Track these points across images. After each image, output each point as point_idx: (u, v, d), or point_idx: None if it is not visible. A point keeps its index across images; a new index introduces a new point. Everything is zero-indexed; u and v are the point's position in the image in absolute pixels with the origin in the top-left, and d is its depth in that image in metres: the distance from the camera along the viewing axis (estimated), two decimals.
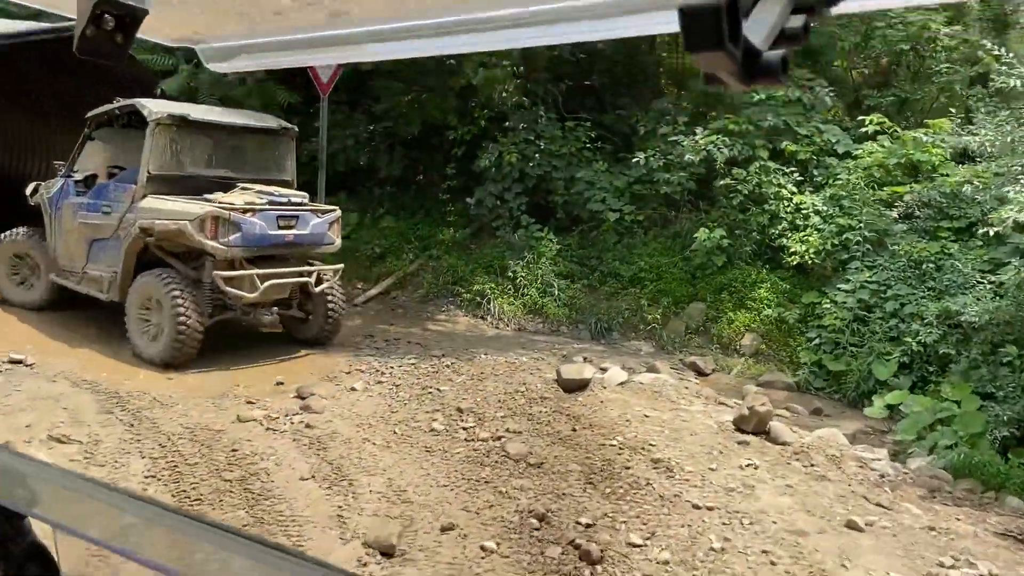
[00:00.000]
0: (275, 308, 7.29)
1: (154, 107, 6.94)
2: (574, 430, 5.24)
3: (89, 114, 7.41)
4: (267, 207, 6.75)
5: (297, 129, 8.11)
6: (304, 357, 7.26)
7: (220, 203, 6.55)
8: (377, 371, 6.66)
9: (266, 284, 6.64)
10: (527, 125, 10.23)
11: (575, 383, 6.23)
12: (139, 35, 0.68)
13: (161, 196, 6.70)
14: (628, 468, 4.58)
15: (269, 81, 10.50)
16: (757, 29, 0.44)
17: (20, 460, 0.75)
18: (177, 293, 6.43)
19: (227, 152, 7.38)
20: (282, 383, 6.19)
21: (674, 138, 9.45)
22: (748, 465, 4.81)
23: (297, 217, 7.00)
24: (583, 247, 10.19)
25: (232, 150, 7.41)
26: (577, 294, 9.59)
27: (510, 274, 9.68)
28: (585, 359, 7.89)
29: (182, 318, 6.35)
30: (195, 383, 6.02)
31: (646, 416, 5.58)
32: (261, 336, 8.02)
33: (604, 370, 7.45)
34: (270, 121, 7.88)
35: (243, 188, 6.97)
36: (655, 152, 9.53)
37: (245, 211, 6.56)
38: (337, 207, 7.82)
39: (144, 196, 6.73)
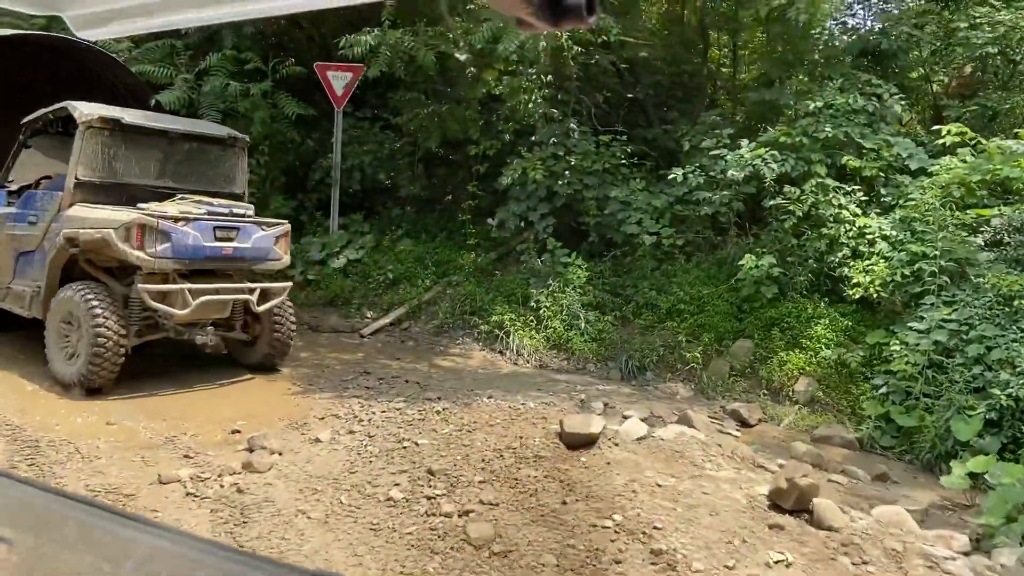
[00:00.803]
0: (210, 328, 6.76)
1: (85, 109, 6.57)
2: (564, 503, 4.37)
3: (24, 120, 7.08)
4: (202, 216, 6.33)
5: (248, 139, 7.75)
6: (285, 396, 6.57)
7: (148, 211, 6.12)
8: (355, 417, 5.92)
9: (199, 301, 6.23)
10: (556, 139, 9.44)
11: (580, 438, 5.36)
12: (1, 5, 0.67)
13: (89, 205, 6.33)
14: (618, 563, 3.67)
15: (281, 94, 10.03)
16: None
17: None
18: (97, 309, 6.00)
19: (168, 161, 7.04)
20: (238, 432, 5.49)
21: (716, 152, 8.50)
22: (779, 562, 3.84)
23: (237, 229, 6.57)
24: (616, 274, 9.31)
25: (174, 159, 7.07)
26: (607, 327, 8.70)
27: (533, 304, 8.88)
28: (606, 405, 7.00)
29: (100, 337, 5.92)
30: (135, 430, 5.37)
31: (658, 486, 4.66)
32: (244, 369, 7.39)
33: (626, 417, 6.58)
34: (218, 130, 7.55)
35: (182, 198, 6.57)
36: (695, 168, 8.60)
37: (176, 220, 6.14)
38: (286, 222, 7.36)
39: (71, 204, 6.36)
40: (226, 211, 6.62)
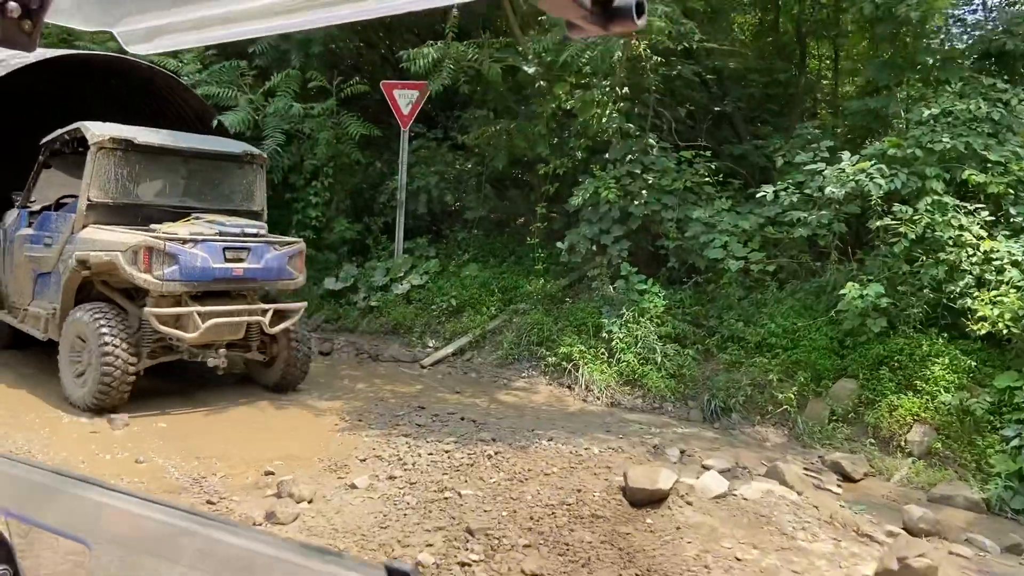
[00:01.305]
0: (222, 350, 6.62)
1: (96, 129, 6.57)
2: None
3: (43, 140, 7.10)
4: (211, 237, 6.28)
5: (266, 156, 7.70)
6: (331, 432, 6.20)
7: (156, 232, 6.11)
8: (399, 460, 5.47)
9: (208, 323, 6.19)
10: (633, 156, 8.85)
11: (647, 495, 4.75)
12: (52, 21, 0.68)
13: (102, 226, 6.33)
14: None
15: (346, 113, 9.87)
16: None
17: None
18: (106, 330, 6.01)
19: (184, 180, 7.03)
20: (272, 473, 5.11)
21: (812, 166, 7.72)
22: None
23: (248, 249, 6.51)
24: (698, 303, 8.60)
25: (190, 178, 7.06)
26: (687, 362, 7.99)
27: (605, 335, 8.27)
28: (683, 452, 6.32)
29: (108, 358, 5.92)
30: (164, 469, 5.08)
31: (737, 560, 3.98)
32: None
33: (705, 468, 5.90)
34: (234, 147, 7.49)
35: (196, 218, 6.56)
36: (787, 186, 7.83)
37: (184, 242, 6.13)
38: (300, 240, 7.29)
39: (84, 226, 6.38)
40: (237, 231, 6.53)
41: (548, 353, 8.48)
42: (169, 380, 7.32)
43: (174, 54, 10.18)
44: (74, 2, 0.70)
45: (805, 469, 6.35)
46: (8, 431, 5.50)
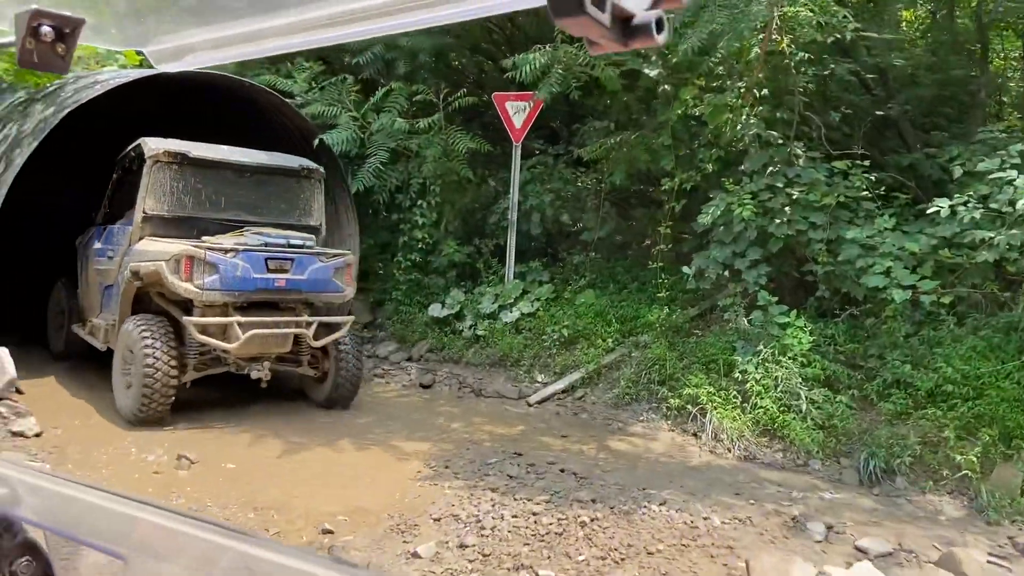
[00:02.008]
0: (266, 363, 6.70)
1: (153, 144, 6.81)
2: None
3: (118, 156, 7.35)
4: (252, 247, 6.39)
5: (323, 170, 7.71)
6: (410, 480, 5.62)
7: (197, 243, 6.28)
8: (477, 522, 4.79)
9: (249, 334, 6.31)
10: (774, 167, 7.80)
11: None
12: (85, 43, 0.73)
13: (157, 239, 6.52)
14: None
15: (455, 128, 9.43)
16: None
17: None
18: (148, 342, 6.16)
19: (239, 194, 7.17)
20: (330, 532, 4.57)
21: (1000, 174, 6.39)
22: None
23: (292, 260, 6.59)
24: (853, 340, 7.41)
25: (245, 191, 7.21)
26: (840, 411, 6.84)
27: (738, 375, 7.26)
28: (830, 528, 5.26)
29: (149, 369, 6.08)
30: (219, 518, 4.62)
31: None
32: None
33: (860, 552, 4.86)
34: (290, 161, 7.56)
35: (248, 231, 6.69)
36: (968, 199, 6.54)
37: (225, 251, 6.24)
38: (349, 252, 7.40)
39: (140, 238, 6.61)
40: (282, 242, 6.60)
41: (671, 394, 7.55)
42: (257, 411, 7.06)
43: (287, 73, 10.20)
44: (105, 24, 0.76)
45: (991, 555, 5.11)
46: (73, 469, 5.31)
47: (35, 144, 6.87)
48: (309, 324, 6.75)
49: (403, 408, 7.70)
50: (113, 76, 7.31)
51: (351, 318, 7.25)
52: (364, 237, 10.46)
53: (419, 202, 9.68)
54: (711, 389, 7.31)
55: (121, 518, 0.74)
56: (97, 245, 7.32)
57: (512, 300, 9.20)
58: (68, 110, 7.07)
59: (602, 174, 9.50)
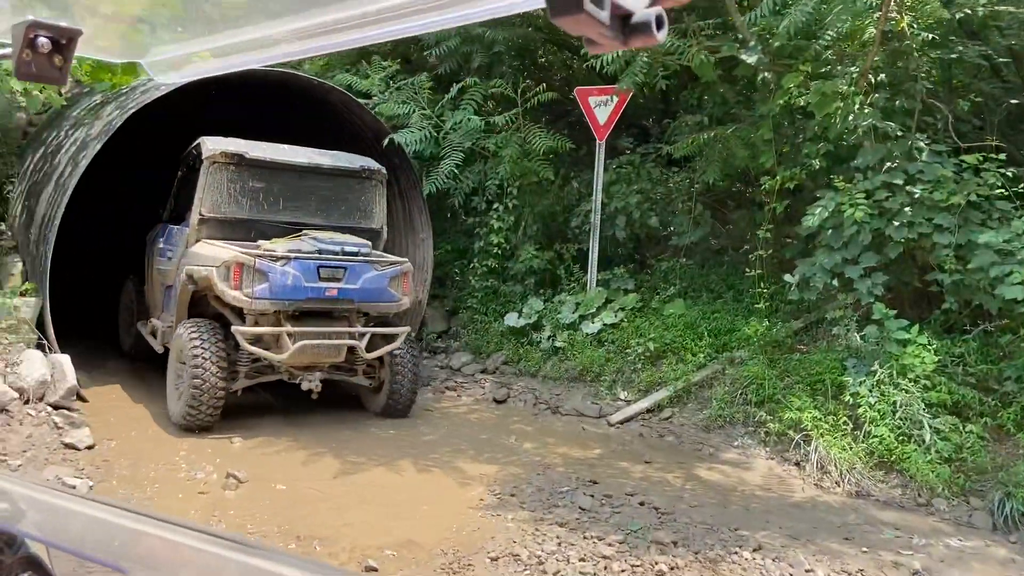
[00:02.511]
0: (318, 373, 6.64)
1: (211, 143, 6.77)
2: None
3: (183, 154, 7.35)
4: (304, 255, 6.29)
5: (385, 171, 7.55)
6: (470, 510, 5.18)
7: (248, 248, 6.20)
8: (539, 564, 4.32)
9: (298, 345, 6.24)
10: (893, 162, 6.97)
11: None
12: (83, 55, 0.74)
13: (214, 241, 6.47)
14: None
15: (533, 126, 8.97)
16: None
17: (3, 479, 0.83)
18: (198, 348, 6.10)
19: (298, 195, 7.08)
20: (374, 570, 4.17)
21: None
22: None
23: (345, 268, 6.48)
24: (987, 360, 6.52)
25: (304, 193, 7.11)
26: (971, 443, 6.01)
27: (848, 398, 6.50)
28: None
29: (197, 379, 6.04)
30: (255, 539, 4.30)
31: None
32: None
33: None
34: (352, 161, 7.42)
35: (305, 235, 6.62)
36: None
37: (276, 258, 6.16)
38: (406, 260, 7.13)
39: (197, 240, 6.59)
40: (336, 249, 6.48)
41: (770, 418, 6.84)
42: (318, 423, 6.79)
43: (364, 73, 10.00)
44: (103, 36, 0.76)
45: None
46: (117, 486, 5.12)
47: (99, 146, 6.86)
48: (362, 335, 6.62)
49: (473, 425, 7.28)
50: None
51: (406, 328, 7.05)
52: (439, 242, 10.16)
53: (496, 205, 9.26)
54: (817, 413, 6.56)
55: (123, 531, 0.73)
56: (160, 244, 7.38)
57: (594, 310, 8.66)
58: (132, 111, 7.04)
59: (695, 173, 8.83)
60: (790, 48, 7.31)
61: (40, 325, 6.83)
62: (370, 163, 7.46)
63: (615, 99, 8.68)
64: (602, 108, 8.81)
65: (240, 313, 6.39)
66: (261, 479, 5.44)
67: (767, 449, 6.77)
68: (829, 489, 6.13)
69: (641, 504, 5.41)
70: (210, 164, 6.65)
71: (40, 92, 8.26)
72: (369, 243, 6.94)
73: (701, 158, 8.52)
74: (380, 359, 6.94)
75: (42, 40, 0.70)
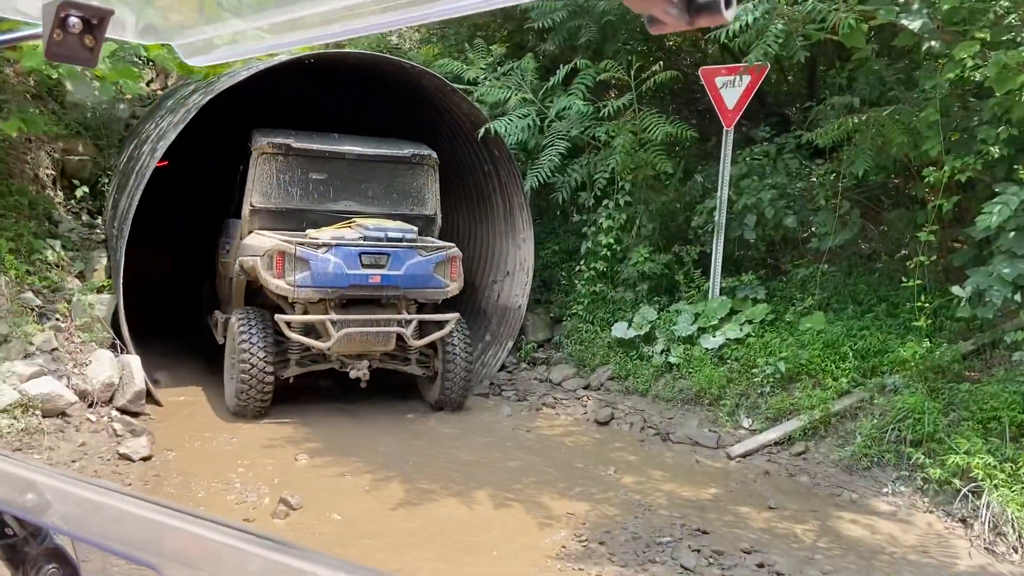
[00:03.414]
0: (365, 362, 6.73)
1: (260, 135, 6.96)
2: None
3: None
4: (346, 242, 6.38)
5: (436, 156, 7.57)
6: (548, 560, 4.48)
7: (290, 237, 6.33)
8: None
9: (342, 333, 6.35)
10: None
11: None
12: (113, 37, 0.76)
13: (265, 232, 6.60)
14: None
15: (649, 111, 8.13)
16: None
17: (27, 467, 0.81)
18: (245, 337, 6.31)
19: (348, 183, 7.18)
20: None
21: None
22: None
23: (388, 255, 6.52)
24: None
25: (353, 181, 7.20)
26: None
27: None
28: None
29: (244, 364, 6.25)
30: None
31: None
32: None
33: None
34: (402, 148, 7.48)
35: (355, 223, 6.70)
36: None
37: (317, 246, 6.28)
38: (453, 245, 7.08)
39: (249, 232, 6.78)
40: (380, 235, 6.52)
41: (929, 461, 5.73)
42: (392, 441, 6.28)
43: (466, 59, 9.50)
44: (134, 17, 0.77)
45: None
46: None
47: (174, 135, 6.68)
48: (408, 322, 6.67)
49: (568, 450, 6.56)
50: (268, 62, 6.95)
51: (455, 315, 6.98)
52: (547, 242, 9.51)
53: (605, 201, 8.45)
54: (990, 459, 5.42)
55: (154, 526, 0.71)
56: (223, 238, 7.66)
57: (716, 322, 7.72)
58: (210, 97, 6.85)
59: (842, 164, 7.70)
60: (963, 11, 6.14)
61: (115, 323, 6.68)
62: (421, 149, 7.50)
63: (746, 79, 7.70)
64: (730, 89, 7.85)
65: (291, 303, 6.53)
66: (316, 506, 4.95)
67: (925, 500, 5.66)
68: (1004, 556, 5.00)
69: (760, 567, 4.53)
70: (259, 155, 6.82)
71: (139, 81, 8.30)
72: (415, 229, 6.91)
73: (850, 147, 7.40)
74: (434, 348, 7.02)
75: (73, 20, 0.70)
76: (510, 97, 8.30)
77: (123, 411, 6.18)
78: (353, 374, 6.67)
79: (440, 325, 6.85)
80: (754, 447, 6.60)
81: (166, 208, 8.84)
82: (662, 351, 7.88)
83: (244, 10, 0.77)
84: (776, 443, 6.61)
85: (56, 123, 8.31)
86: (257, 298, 6.92)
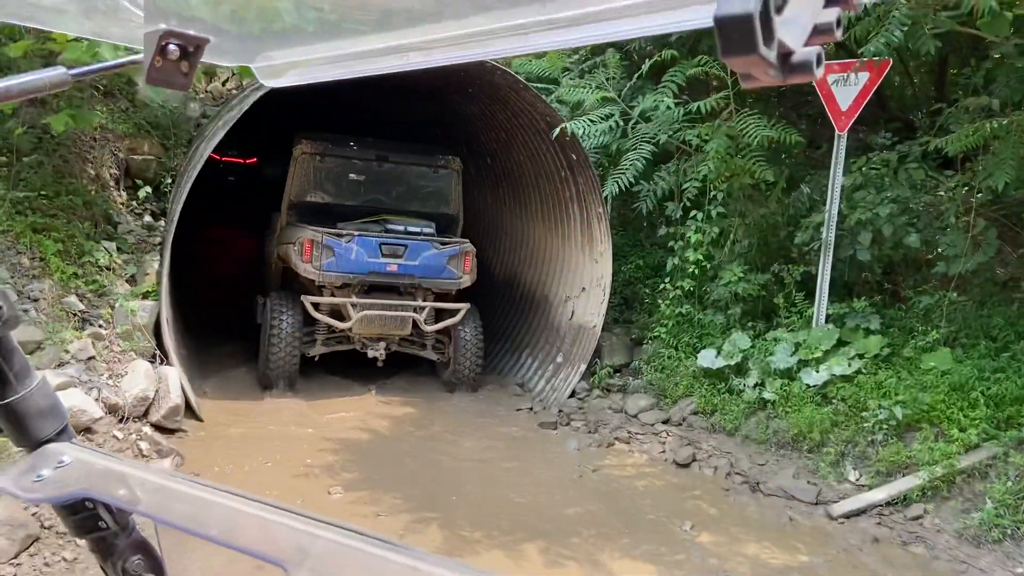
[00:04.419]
0: (382, 343, 7.59)
1: (300, 139, 7.79)
2: None
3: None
4: (366, 233, 7.25)
5: (459, 160, 8.25)
6: None
7: (319, 228, 7.12)
8: None
9: (361, 315, 7.19)
10: None
11: None
12: (204, 60, 0.80)
13: (300, 225, 7.34)
14: None
15: (746, 112, 7.31)
16: (790, 28, 0.49)
17: (116, 460, 0.84)
18: (277, 314, 7.14)
19: (377, 184, 7.92)
20: None
21: None
22: None
23: (405, 246, 7.32)
24: None
25: (383, 182, 7.95)
26: None
27: None
28: None
29: (275, 338, 7.08)
30: None
31: None
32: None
33: None
34: (428, 153, 8.29)
35: (380, 219, 7.56)
36: None
37: (340, 236, 7.11)
38: (467, 241, 7.79)
39: (286, 224, 7.56)
40: (399, 228, 7.50)
41: None
42: (440, 478, 5.73)
43: (544, 55, 8.93)
44: (218, 42, 0.80)
45: None
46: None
47: (222, 134, 6.54)
48: (421, 309, 7.48)
49: (638, 497, 5.86)
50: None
51: (466, 305, 7.70)
52: (630, 256, 8.81)
53: (695, 212, 7.67)
54: None
55: (280, 527, 0.71)
56: (267, 230, 8.44)
57: (820, 354, 6.83)
58: (252, 100, 6.55)
59: (976, 176, 6.69)
60: None
61: (158, 331, 6.41)
62: (446, 155, 8.27)
63: (863, 76, 6.81)
64: (844, 88, 6.98)
65: (319, 287, 7.32)
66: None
67: None
68: None
69: None
70: (299, 155, 7.66)
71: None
72: (433, 224, 7.81)
73: (986, 156, 6.41)
74: (448, 336, 7.86)
75: (172, 47, 0.74)
76: (588, 95, 7.62)
77: (157, 427, 5.87)
78: (371, 354, 7.54)
79: (453, 314, 7.65)
80: (861, 506, 5.70)
81: (242, 205, 9.85)
82: (755, 385, 7.03)
83: (321, 37, 0.80)
84: (888, 503, 5.69)
85: (125, 121, 8.20)
86: (294, 284, 7.62)
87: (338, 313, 7.33)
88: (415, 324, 7.50)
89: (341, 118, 11.91)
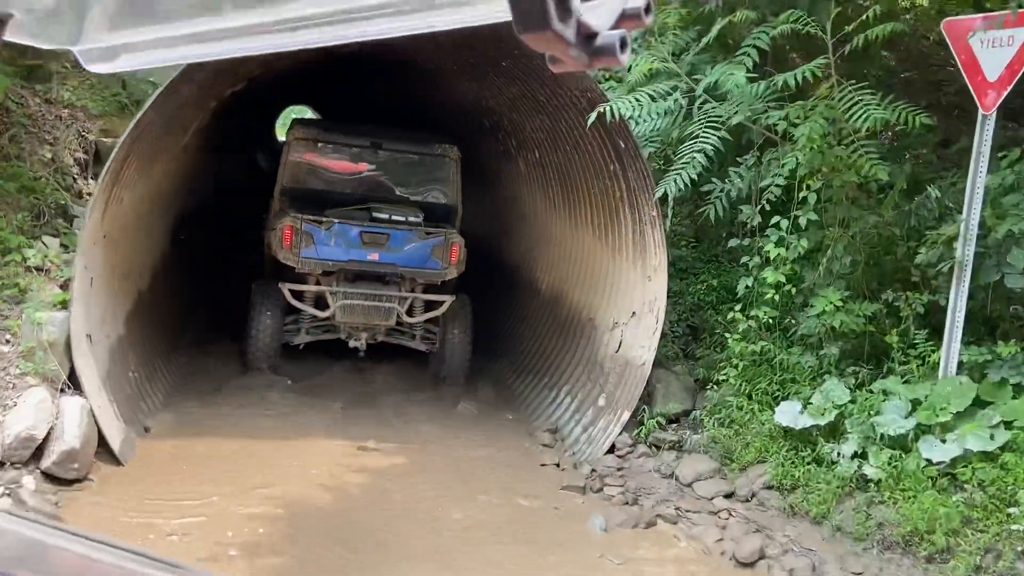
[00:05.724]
0: (363, 334, 7.57)
1: (296, 124, 8.09)
2: None
3: None
4: (347, 220, 7.22)
5: (457, 149, 8.03)
6: None
7: (299, 215, 7.12)
8: None
9: (340, 303, 7.29)
10: None
11: None
12: (12, 39, 0.75)
13: (290, 212, 7.19)
14: None
15: (856, 87, 5.54)
16: (596, 10, 0.51)
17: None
18: (256, 305, 7.31)
19: (371, 171, 7.81)
20: None
21: None
22: None
23: (388, 235, 7.29)
24: None
25: (377, 169, 7.84)
26: None
27: None
28: None
29: (256, 323, 7.27)
30: None
31: None
32: None
33: None
34: (424, 140, 8.14)
35: (370, 206, 7.47)
36: None
37: (320, 223, 7.12)
38: (455, 231, 7.64)
39: (278, 210, 7.45)
40: (384, 217, 7.33)
41: None
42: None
43: None
44: (34, 20, 0.74)
45: None
46: None
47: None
48: (403, 299, 7.43)
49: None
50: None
51: (450, 298, 7.55)
52: (701, 272, 7.19)
53: (777, 219, 5.91)
54: None
55: (35, 545, 0.73)
56: (264, 216, 8.26)
57: (949, 417, 5.03)
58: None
59: None
60: None
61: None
62: (443, 143, 8.01)
63: (1021, 33, 4.99)
64: (992, 51, 5.18)
65: (299, 275, 7.29)
66: None
67: None
68: None
69: None
70: (292, 140, 7.65)
71: None
72: (421, 214, 7.50)
73: None
74: (437, 325, 7.80)
75: None
76: (641, 66, 5.99)
77: (48, 475, 4.65)
78: (352, 343, 7.53)
79: (440, 305, 7.54)
80: None
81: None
82: (854, 455, 5.25)
83: (152, 19, 0.75)
84: None
85: (98, 99, 7.17)
86: (284, 272, 7.40)
87: (322, 302, 7.33)
88: (400, 316, 7.56)
89: (378, 107, 11.00)
